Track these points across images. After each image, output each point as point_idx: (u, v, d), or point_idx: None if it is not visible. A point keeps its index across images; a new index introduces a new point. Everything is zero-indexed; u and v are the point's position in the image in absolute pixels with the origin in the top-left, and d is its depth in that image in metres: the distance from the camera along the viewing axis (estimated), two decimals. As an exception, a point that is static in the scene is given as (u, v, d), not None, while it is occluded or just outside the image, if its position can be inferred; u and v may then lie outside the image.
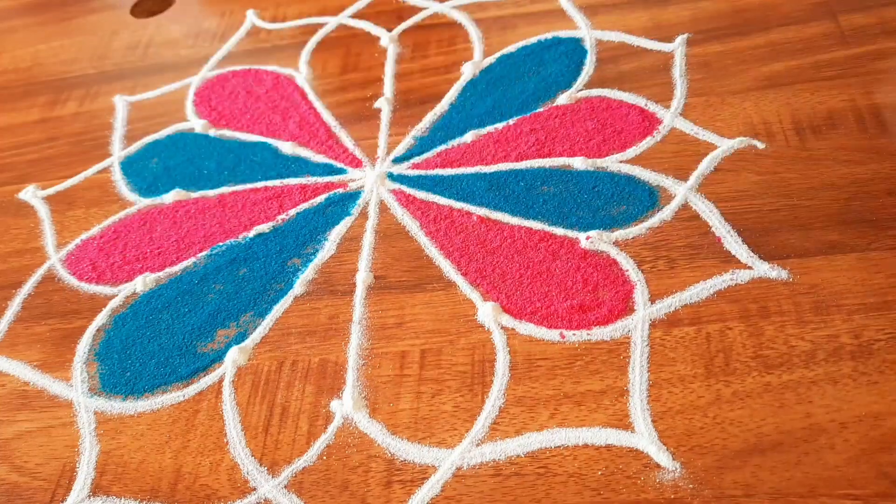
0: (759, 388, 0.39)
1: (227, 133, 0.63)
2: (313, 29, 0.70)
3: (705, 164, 0.50)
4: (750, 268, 0.44)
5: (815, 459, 0.36)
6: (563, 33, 0.63)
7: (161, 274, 0.53)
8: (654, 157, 0.52)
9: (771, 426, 0.38)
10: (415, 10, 0.69)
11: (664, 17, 0.61)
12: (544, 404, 0.41)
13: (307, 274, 0.51)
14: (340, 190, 0.56)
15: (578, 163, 0.52)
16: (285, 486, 0.41)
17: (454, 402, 0.42)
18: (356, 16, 0.71)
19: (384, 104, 0.61)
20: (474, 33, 0.65)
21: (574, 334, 0.44)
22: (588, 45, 0.61)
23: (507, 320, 0.45)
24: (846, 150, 0.49)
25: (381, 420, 0.43)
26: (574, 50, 0.61)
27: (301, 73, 0.66)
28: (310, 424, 0.43)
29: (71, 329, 0.51)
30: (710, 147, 0.51)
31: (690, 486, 0.37)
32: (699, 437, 0.38)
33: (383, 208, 0.54)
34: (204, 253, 0.54)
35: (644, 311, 0.44)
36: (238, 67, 0.69)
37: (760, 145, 0.50)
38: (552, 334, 0.44)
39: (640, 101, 0.55)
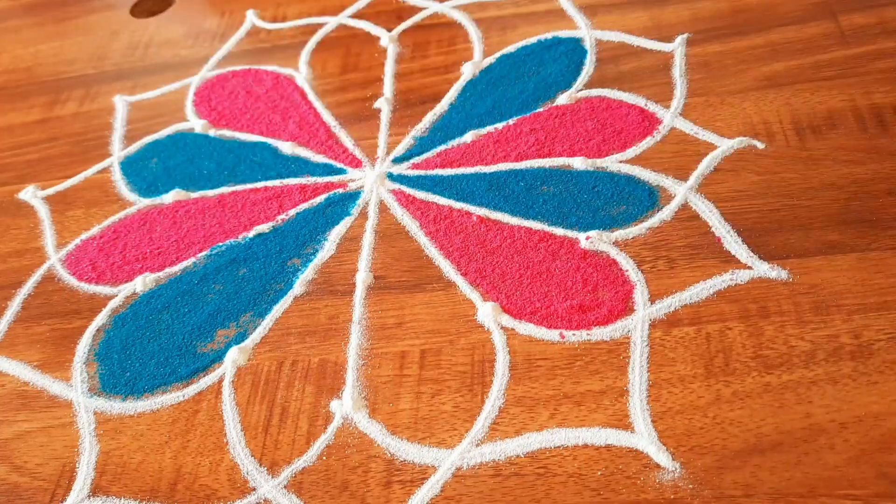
0: (758, 389, 0.39)
1: (227, 133, 0.63)
2: (313, 29, 0.70)
3: (705, 164, 0.50)
4: (750, 268, 0.44)
5: (814, 460, 0.36)
6: (563, 33, 0.63)
7: (161, 274, 0.53)
8: (653, 157, 0.52)
9: (771, 426, 0.38)
10: (415, 10, 0.69)
11: (664, 17, 0.61)
12: (544, 404, 0.41)
13: (307, 274, 0.51)
14: (340, 190, 0.56)
15: (578, 163, 0.52)
16: (285, 487, 0.41)
17: (454, 402, 0.42)
18: (356, 16, 0.71)
19: (384, 104, 0.61)
20: (474, 33, 0.65)
21: (574, 334, 0.44)
22: (588, 45, 0.61)
23: (507, 320, 0.45)
24: (846, 150, 0.49)
25: (380, 420, 0.43)
26: (574, 50, 0.61)
27: (301, 73, 0.66)
28: (309, 424, 0.43)
29: (71, 329, 0.51)
30: (710, 147, 0.51)
31: (690, 486, 0.37)
32: (699, 438, 0.38)
33: (383, 208, 0.54)
34: (204, 253, 0.54)
35: (644, 312, 0.44)
36: (238, 67, 0.69)
37: (760, 145, 0.50)
38: (552, 334, 0.44)
39: (639, 101, 0.55)
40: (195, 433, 0.44)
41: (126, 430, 0.45)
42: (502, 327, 0.45)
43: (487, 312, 0.45)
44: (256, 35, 0.72)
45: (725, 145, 0.51)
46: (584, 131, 0.55)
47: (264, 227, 0.55)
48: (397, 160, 0.57)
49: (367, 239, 0.52)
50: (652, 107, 0.55)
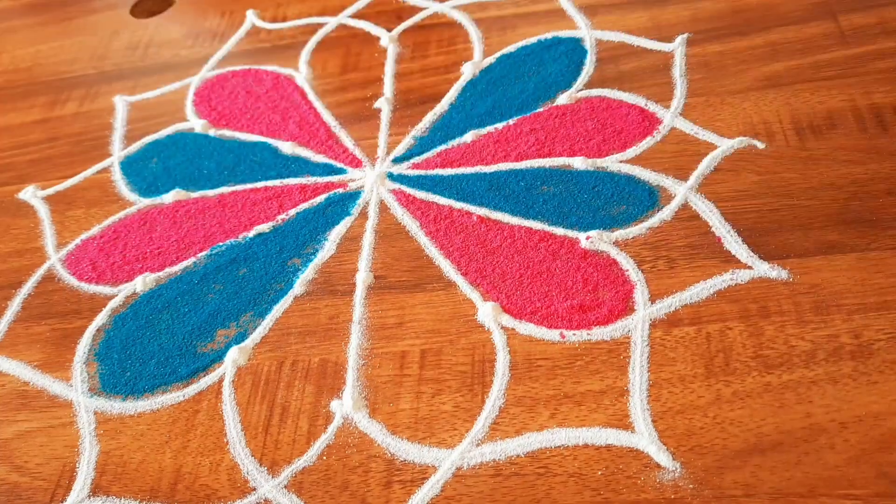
0: (759, 388, 0.39)
1: (227, 133, 0.63)
2: (313, 29, 0.70)
3: (705, 164, 0.50)
4: (750, 268, 0.44)
5: (815, 459, 0.36)
6: (563, 33, 0.63)
7: (161, 274, 0.53)
8: (654, 156, 0.52)
9: (771, 426, 0.38)
10: (415, 10, 0.69)
11: (664, 17, 0.61)
12: (544, 404, 0.41)
13: (307, 274, 0.51)
14: (340, 190, 0.56)
15: (578, 163, 0.52)
16: (285, 487, 0.41)
17: (454, 402, 0.42)
18: (356, 16, 0.71)
19: (384, 104, 0.61)
20: (474, 33, 0.65)
21: (574, 334, 0.44)
22: (588, 44, 0.61)
23: (507, 320, 0.45)
24: (846, 150, 0.49)
25: (381, 420, 0.43)
26: (574, 50, 0.61)
27: (301, 73, 0.66)
28: (310, 424, 0.43)
29: (71, 329, 0.51)
30: (710, 147, 0.51)
31: (690, 486, 0.37)
32: (699, 437, 0.38)
33: (383, 208, 0.54)
34: (204, 253, 0.54)
35: (644, 311, 0.44)
36: (238, 67, 0.69)
37: (760, 145, 0.50)
38: (552, 334, 0.44)
39: (640, 100, 0.55)
40: (195, 433, 0.44)
41: (126, 430, 0.45)
42: (502, 327, 0.45)
43: (488, 312, 0.45)
44: (256, 35, 0.72)
45: (725, 145, 0.51)
46: (584, 131, 0.55)
47: (264, 227, 0.55)
48: (397, 160, 0.57)
49: (368, 239, 0.52)
50: (652, 107, 0.55)
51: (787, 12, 0.58)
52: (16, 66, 0.76)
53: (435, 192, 0.54)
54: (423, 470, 0.40)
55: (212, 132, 0.63)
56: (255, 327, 0.49)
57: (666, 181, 0.50)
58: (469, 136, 0.57)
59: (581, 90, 0.58)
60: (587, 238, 0.48)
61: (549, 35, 0.63)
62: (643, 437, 0.39)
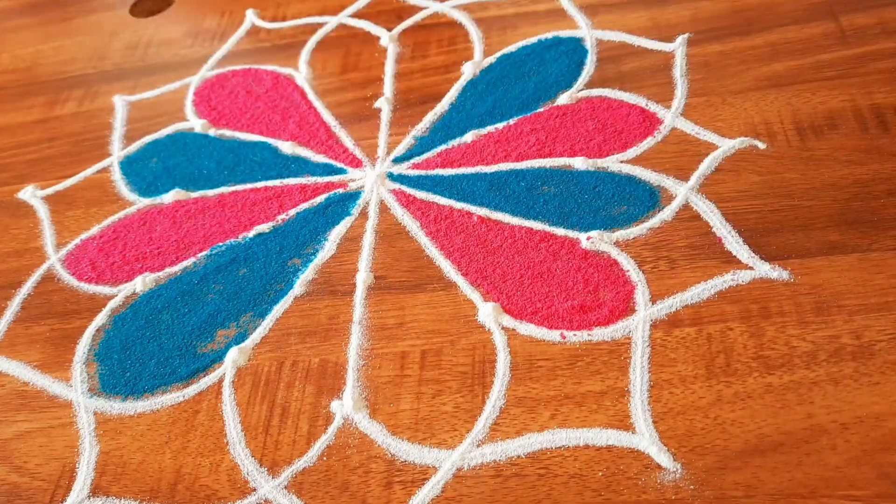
0: (760, 389, 0.39)
1: (227, 133, 0.63)
2: (313, 28, 0.70)
3: (706, 165, 0.50)
4: (751, 268, 0.44)
5: (816, 460, 0.36)
6: (564, 33, 0.63)
7: (161, 274, 0.53)
8: (654, 157, 0.52)
9: (772, 427, 0.38)
10: (415, 9, 0.69)
11: (664, 17, 0.61)
12: (545, 405, 0.41)
13: (307, 274, 0.51)
14: (340, 190, 0.56)
15: (579, 163, 0.52)
16: (285, 487, 0.41)
17: (454, 402, 0.42)
18: (356, 15, 0.71)
19: (384, 104, 0.61)
20: (474, 33, 0.65)
21: (575, 335, 0.44)
22: (588, 44, 0.61)
23: (508, 321, 0.45)
24: (847, 150, 0.49)
25: (381, 420, 0.43)
26: (574, 50, 0.61)
27: (301, 73, 0.66)
28: (310, 425, 0.43)
29: (70, 329, 0.51)
30: (711, 147, 0.51)
31: (691, 486, 0.37)
32: (700, 438, 0.38)
33: (383, 208, 0.54)
34: (204, 253, 0.54)
35: (645, 312, 0.44)
36: (238, 67, 0.69)
37: (761, 145, 0.50)
38: (553, 335, 0.44)
39: (640, 101, 0.55)
40: (195, 433, 0.44)
41: (126, 431, 0.45)
42: (503, 328, 0.45)
43: (488, 313, 0.45)
44: (256, 35, 0.72)
45: (726, 145, 0.51)
46: (584, 131, 0.55)
47: (264, 227, 0.54)
48: (398, 160, 0.57)
49: (368, 239, 0.52)
50: (653, 107, 0.55)
51: (788, 12, 0.58)
52: (16, 66, 0.76)
53: (435, 192, 0.54)
54: (424, 470, 0.40)
55: (212, 132, 0.63)
56: (255, 328, 0.49)
57: (667, 181, 0.50)
58: (469, 136, 0.57)
59: (582, 90, 0.58)
60: (588, 238, 0.48)
61: (549, 35, 0.63)
62: (644, 438, 0.39)
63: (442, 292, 0.48)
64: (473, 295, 0.47)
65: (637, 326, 0.43)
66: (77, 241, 0.57)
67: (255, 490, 0.41)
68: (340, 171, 0.57)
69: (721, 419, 0.39)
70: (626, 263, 0.46)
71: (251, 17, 0.74)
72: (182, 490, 0.42)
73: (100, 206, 0.59)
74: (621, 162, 0.52)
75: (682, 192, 0.49)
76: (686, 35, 0.59)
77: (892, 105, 0.50)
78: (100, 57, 0.74)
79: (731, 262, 0.45)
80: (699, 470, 0.37)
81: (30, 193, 0.62)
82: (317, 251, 0.52)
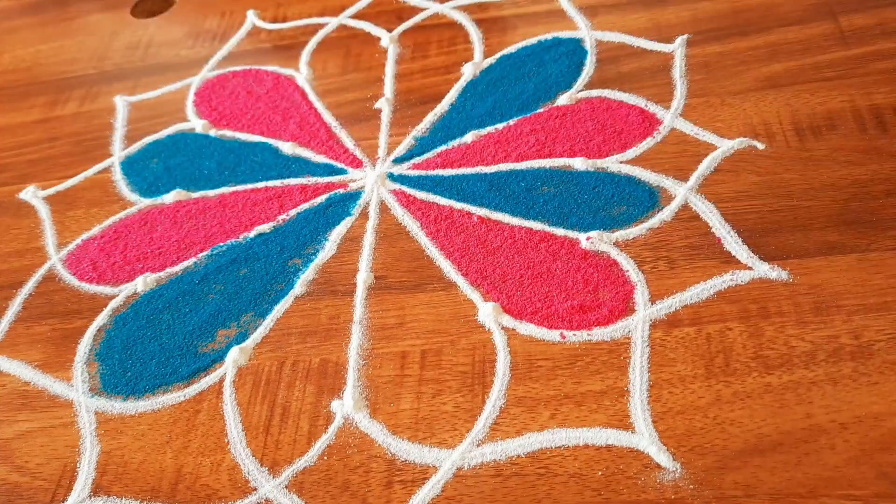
0: (759, 389, 0.39)
1: (228, 133, 0.63)
2: (313, 29, 0.70)
3: (705, 165, 0.50)
4: (750, 268, 0.44)
5: (815, 460, 0.37)
6: (564, 34, 0.63)
7: (162, 274, 0.53)
8: (654, 157, 0.52)
9: (771, 427, 0.38)
10: (415, 10, 0.69)
11: (664, 17, 0.61)
12: (545, 404, 0.41)
13: (308, 274, 0.51)
14: (341, 190, 0.56)
15: (579, 163, 0.52)
16: (286, 487, 0.41)
17: (455, 402, 0.42)
18: (356, 16, 0.71)
19: (384, 104, 0.61)
20: (474, 34, 0.65)
21: (574, 335, 0.44)
22: (588, 45, 0.61)
23: (508, 321, 0.45)
24: (846, 150, 0.49)
25: (381, 420, 0.43)
26: (574, 50, 0.61)
27: (301, 74, 0.66)
28: (310, 424, 0.43)
29: (71, 329, 0.51)
30: (711, 148, 0.51)
31: (691, 486, 0.37)
32: (699, 438, 0.38)
33: (384, 209, 0.54)
34: (204, 253, 0.54)
35: (644, 312, 0.44)
36: (238, 68, 0.69)
37: (760, 146, 0.50)
38: (553, 335, 0.44)
39: (640, 101, 0.56)
40: (196, 433, 0.44)
41: (127, 430, 0.45)
42: (503, 327, 0.45)
43: (488, 313, 0.45)
44: (257, 35, 0.72)
45: (725, 146, 0.51)
46: (584, 132, 0.55)
47: (265, 227, 0.55)
48: (398, 160, 0.57)
49: (368, 239, 0.52)
50: (652, 107, 0.55)
51: (787, 13, 0.59)
52: (16, 66, 0.76)
53: (435, 192, 0.54)
54: (424, 470, 0.40)
55: (212, 132, 0.63)
56: (256, 327, 0.49)
57: (666, 182, 0.50)
58: (469, 137, 0.57)
59: (581, 91, 0.58)
60: (587, 239, 0.48)
61: (549, 36, 0.63)
62: (643, 438, 0.39)
63: (442, 292, 0.48)
64: (473, 295, 0.47)
65: (636, 326, 0.43)
66: (78, 241, 0.57)
67: (255, 489, 0.41)
68: (341, 172, 0.58)
69: (720, 419, 0.39)
70: (626, 263, 0.46)
71: (252, 18, 0.74)
72: (183, 490, 0.42)
73: (101, 207, 0.60)
74: (621, 162, 0.52)
75: (682, 192, 0.49)
76: (685, 36, 0.59)
77: (891, 106, 0.50)
78: (100, 57, 0.74)
79: (731, 262, 0.45)
80: (698, 469, 0.37)
81: (31, 194, 0.62)
82: (317, 251, 0.52)
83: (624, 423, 0.40)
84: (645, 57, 0.59)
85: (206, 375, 0.47)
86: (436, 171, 0.55)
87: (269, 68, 0.68)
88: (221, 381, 0.47)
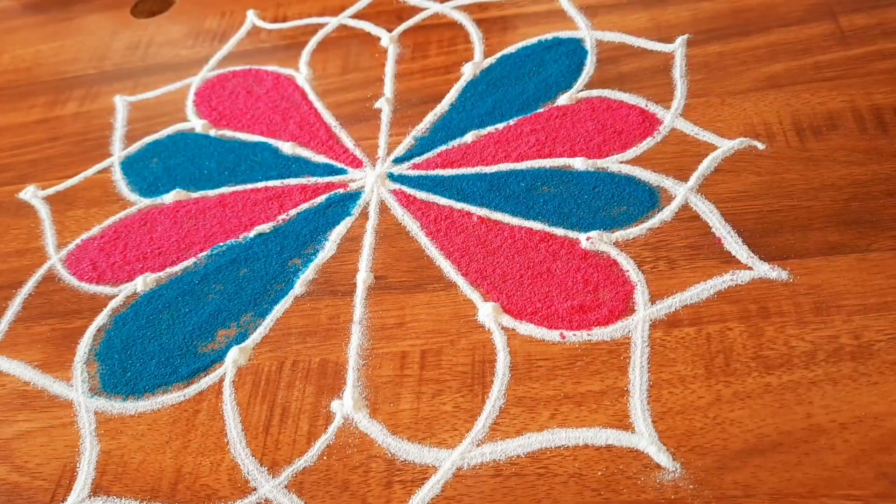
0: (759, 389, 0.39)
1: (228, 133, 0.63)
2: (313, 29, 0.70)
3: (705, 165, 0.50)
4: (750, 268, 0.44)
5: (815, 460, 0.36)
6: (564, 34, 0.63)
7: (161, 274, 0.53)
8: (654, 157, 0.52)
9: (771, 427, 0.38)
10: (415, 10, 0.69)
11: (664, 17, 0.61)
12: (545, 405, 0.41)
13: (308, 274, 0.51)
14: (341, 190, 0.56)
15: (579, 163, 0.52)
16: (286, 487, 0.41)
17: (454, 402, 0.42)
18: (356, 16, 0.71)
19: (384, 104, 0.61)
20: (474, 34, 0.65)
21: (574, 335, 0.44)
22: (588, 45, 0.61)
23: (508, 321, 0.45)
24: (846, 150, 0.49)
25: (381, 420, 0.43)
26: (574, 50, 0.61)
27: (301, 74, 0.66)
28: (310, 424, 0.43)
29: (71, 329, 0.51)
30: (711, 148, 0.51)
31: (691, 486, 0.37)
32: (699, 438, 0.38)
33: (384, 209, 0.54)
34: (204, 253, 0.54)
35: (644, 312, 0.44)
36: (238, 67, 0.69)
37: (760, 146, 0.50)
38: (552, 335, 0.44)
39: (640, 101, 0.56)
40: (196, 433, 0.44)
41: (127, 430, 0.45)
42: (503, 328, 0.45)
43: (488, 313, 0.45)
44: (257, 35, 0.72)
45: (726, 146, 0.51)
46: (584, 132, 0.55)
47: (265, 227, 0.55)
48: (398, 160, 0.57)
49: (368, 239, 0.52)
50: (652, 107, 0.55)
51: (788, 13, 0.59)
52: (16, 66, 0.76)
53: (435, 192, 0.54)
54: (424, 470, 0.40)
55: (212, 132, 0.63)
56: (256, 327, 0.49)
57: (666, 182, 0.50)
58: (469, 137, 0.57)
59: (581, 91, 0.58)
60: (587, 239, 0.48)
61: (549, 36, 0.63)
62: (643, 438, 0.39)
63: (442, 292, 0.48)
64: (473, 295, 0.47)
65: (636, 326, 0.43)
66: (78, 241, 0.57)
67: (255, 489, 0.41)
68: (341, 172, 0.58)
69: (720, 419, 0.39)
70: (626, 263, 0.46)
71: (252, 18, 0.74)
72: (183, 489, 0.42)
73: (100, 207, 0.60)
74: (621, 162, 0.52)
75: (682, 192, 0.49)
76: (686, 36, 0.59)
77: (891, 106, 0.50)
78: (100, 57, 0.74)
79: (731, 262, 0.45)
80: (698, 469, 0.37)
81: (31, 193, 0.62)
82: (317, 251, 0.52)
83: (624, 423, 0.40)
84: (645, 57, 0.59)
85: (205, 375, 0.47)
86: (436, 171, 0.55)
87: (269, 68, 0.68)
88: (221, 381, 0.47)
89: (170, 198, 0.58)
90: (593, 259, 0.47)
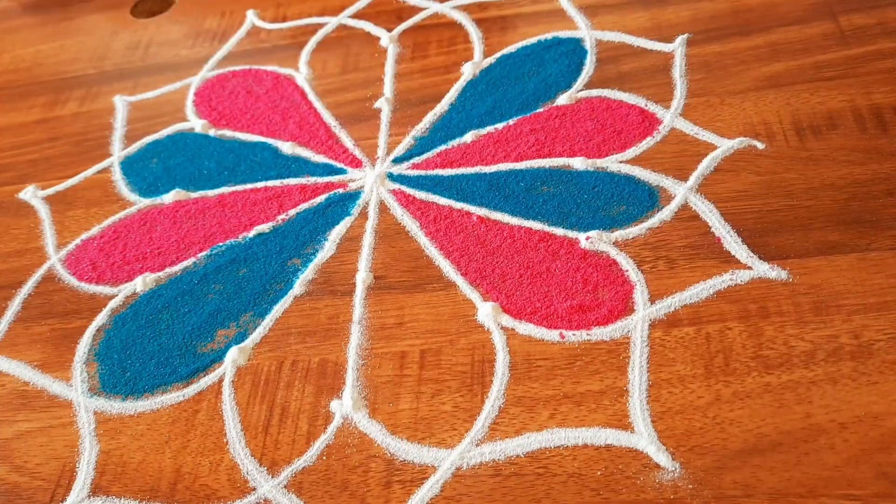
0: (758, 389, 0.39)
1: (228, 133, 0.63)
2: (313, 29, 0.70)
3: (705, 165, 0.50)
4: (749, 268, 0.44)
5: (814, 460, 0.36)
6: (563, 33, 0.63)
7: (161, 274, 0.53)
8: (653, 157, 0.52)
9: (770, 426, 0.38)
10: (415, 10, 0.69)
11: (664, 17, 0.61)
12: (544, 404, 0.41)
13: (307, 274, 0.51)
14: (340, 190, 0.56)
15: (578, 163, 0.52)
16: (285, 486, 0.41)
17: (454, 402, 0.42)
18: (356, 16, 0.71)
19: (384, 104, 0.61)
20: (474, 33, 0.65)
21: (574, 334, 0.44)
22: (588, 45, 0.61)
23: (507, 320, 0.45)
24: (846, 150, 0.49)
25: (380, 420, 0.43)
26: (574, 50, 0.61)
27: (301, 73, 0.66)
28: (309, 424, 0.43)
29: (71, 329, 0.51)
30: (710, 147, 0.51)
31: (690, 486, 0.37)
32: (699, 438, 0.38)
33: (383, 208, 0.54)
34: (204, 253, 0.54)
35: (644, 312, 0.44)
36: (238, 67, 0.69)
37: (760, 146, 0.50)
38: (552, 334, 0.44)
39: (640, 101, 0.55)
40: (195, 433, 0.44)
41: (126, 430, 0.45)
42: (502, 327, 0.45)
43: (487, 312, 0.45)
44: (256, 35, 0.72)
45: (725, 146, 0.51)
46: (584, 131, 0.55)
47: (264, 227, 0.55)
48: (397, 160, 0.57)
49: (368, 239, 0.52)
50: (652, 107, 0.55)
51: (788, 12, 0.58)
52: (16, 66, 0.76)
53: (435, 192, 0.54)
54: (423, 470, 0.40)
55: (212, 132, 0.63)
56: (255, 327, 0.49)
57: (666, 181, 0.50)
58: (469, 137, 0.57)
59: (581, 90, 0.58)
60: (587, 238, 0.48)
61: (549, 35, 0.63)
62: (643, 438, 0.39)
63: (441, 292, 0.48)
64: (473, 295, 0.47)
65: (636, 326, 0.43)
66: (77, 241, 0.57)
67: (254, 489, 0.41)
68: (340, 172, 0.58)
69: (720, 419, 0.39)
70: (625, 263, 0.46)
71: (251, 18, 0.74)
72: (182, 489, 0.42)
73: (100, 207, 0.60)
74: (620, 162, 0.52)
75: (681, 192, 0.49)
76: (685, 35, 0.59)
77: (891, 105, 0.50)
78: (100, 57, 0.74)
79: (730, 261, 0.45)
80: (698, 469, 0.37)
81: (30, 193, 0.62)
82: (317, 251, 0.52)
83: (623, 423, 0.40)
84: (645, 56, 0.59)
85: (205, 375, 0.47)
86: (435, 171, 0.55)
87: (269, 68, 0.68)
88: (220, 380, 0.47)
89: (169, 198, 0.58)
90: (593, 259, 0.47)
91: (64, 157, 0.65)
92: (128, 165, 0.62)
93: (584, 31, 0.62)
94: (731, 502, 0.36)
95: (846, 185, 0.47)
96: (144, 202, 0.59)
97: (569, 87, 0.58)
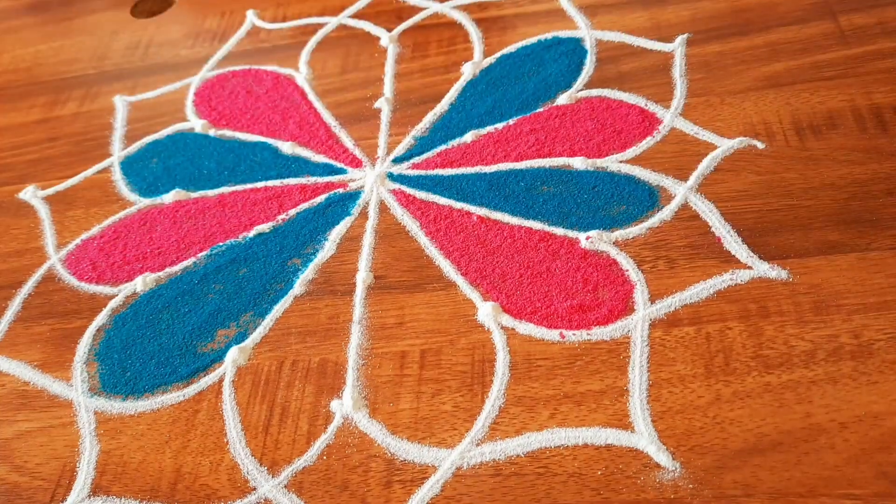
0: (758, 388, 0.39)
1: (227, 133, 0.63)
2: (313, 29, 0.70)
3: (705, 164, 0.50)
4: (750, 268, 0.44)
5: (814, 459, 0.36)
6: (563, 33, 0.63)
7: (161, 274, 0.53)
8: (653, 157, 0.52)
9: (771, 426, 0.38)
10: (415, 10, 0.69)
11: (664, 17, 0.61)
12: (544, 404, 0.41)
13: (307, 274, 0.51)
14: (340, 190, 0.56)
15: (578, 163, 0.52)
16: (285, 486, 0.41)
17: (454, 401, 0.42)
18: (356, 16, 0.71)
19: (384, 104, 0.61)
20: (474, 33, 0.65)
21: (574, 334, 0.44)
22: (588, 45, 0.61)
23: (507, 320, 0.45)
24: (846, 150, 0.49)
25: (381, 420, 0.43)
26: (574, 50, 0.61)
27: (301, 73, 0.66)
28: (310, 424, 0.43)
29: (71, 329, 0.51)
30: (710, 147, 0.51)
31: (690, 485, 0.37)
32: (699, 437, 0.38)
33: (383, 208, 0.54)
34: (204, 253, 0.54)
35: (644, 311, 0.44)
36: (238, 67, 0.69)
37: (760, 145, 0.50)
38: (552, 334, 0.44)
39: (639, 101, 0.56)
40: (195, 433, 0.44)
41: (126, 430, 0.45)
42: (502, 327, 0.45)
43: (488, 312, 0.45)
44: (256, 35, 0.72)
45: (725, 145, 0.51)
46: (584, 131, 0.55)
47: (265, 227, 0.55)
48: (397, 160, 0.57)
49: (368, 239, 0.52)
50: (652, 107, 0.55)
51: (787, 12, 0.58)
52: (16, 66, 0.76)
53: (435, 192, 0.54)
54: (423, 470, 0.40)
55: (212, 132, 0.63)
56: (256, 327, 0.49)
57: (666, 181, 0.50)
58: (469, 136, 0.57)
59: (581, 90, 0.58)
60: (587, 238, 0.48)
61: (549, 35, 0.63)
62: (643, 437, 0.39)
63: (441, 292, 0.48)
64: (473, 294, 0.47)
65: (636, 326, 0.43)
66: (77, 241, 0.57)
67: (255, 489, 0.41)
68: (340, 171, 0.58)
69: (720, 418, 0.39)
70: (626, 263, 0.46)
71: (251, 18, 0.74)
72: (182, 489, 0.42)
73: (100, 207, 0.60)
74: (620, 162, 0.52)
75: (682, 191, 0.49)
76: (685, 35, 0.59)
77: (891, 105, 0.50)
78: (100, 57, 0.74)
79: (730, 261, 0.45)
80: (698, 469, 0.37)
81: (30, 193, 0.62)
82: (317, 251, 0.52)
83: (623, 423, 0.40)
84: (645, 56, 0.59)
85: (205, 375, 0.47)
86: (435, 171, 0.55)
87: (269, 68, 0.68)
88: (221, 380, 0.47)
89: (169, 198, 0.58)
90: (593, 258, 0.47)
91: (64, 157, 0.65)
92: (128, 165, 0.62)
93: (584, 31, 0.62)
94: (731, 502, 0.36)
95: (846, 184, 0.47)
96: (144, 202, 0.59)
97: (569, 86, 0.58)
